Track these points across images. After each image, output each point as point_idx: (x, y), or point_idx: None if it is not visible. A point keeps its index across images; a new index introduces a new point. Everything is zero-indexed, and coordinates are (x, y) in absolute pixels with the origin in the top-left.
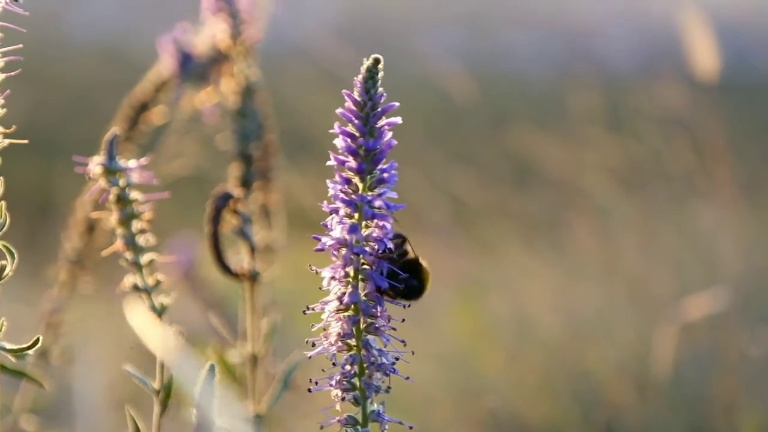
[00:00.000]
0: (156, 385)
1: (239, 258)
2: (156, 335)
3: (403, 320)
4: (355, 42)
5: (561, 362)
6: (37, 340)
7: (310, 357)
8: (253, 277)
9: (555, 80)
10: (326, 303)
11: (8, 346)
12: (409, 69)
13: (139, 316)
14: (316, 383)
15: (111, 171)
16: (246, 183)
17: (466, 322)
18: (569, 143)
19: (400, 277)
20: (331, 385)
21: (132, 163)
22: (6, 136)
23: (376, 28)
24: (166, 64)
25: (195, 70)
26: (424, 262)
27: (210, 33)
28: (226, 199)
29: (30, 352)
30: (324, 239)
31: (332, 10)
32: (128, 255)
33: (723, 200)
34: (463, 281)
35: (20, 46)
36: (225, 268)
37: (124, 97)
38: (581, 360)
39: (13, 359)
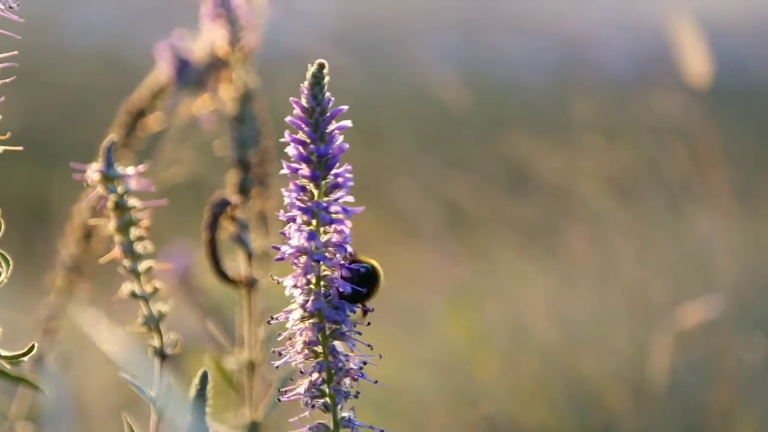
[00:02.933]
0: (153, 392)
1: (236, 265)
2: (106, 335)
3: (369, 323)
4: (351, 48)
5: (557, 368)
6: (33, 346)
7: (277, 366)
8: (250, 284)
9: (550, 87)
10: (290, 312)
11: (3, 352)
12: (405, 75)
13: (86, 317)
14: (285, 392)
15: (109, 178)
16: (243, 189)
17: (462, 328)
18: (565, 150)
19: (357, 278)
20: (300, 393)
21: (130, 170)
22: (1, 142)
23: (373, 34)
24: (163, 71)
25: (192, 76)
26: (370, 260)
27: (208, 39)
28: (223, 205)
29: (25, 359)
30: (283, 248)
31: (329, 17)
32: (126, 262)
33: (719, 206)
34: (458, 287)
35: (16, 52)
36: (222, 275)
37: (121, 102)
38: (577, 366)
39: (8, 366)
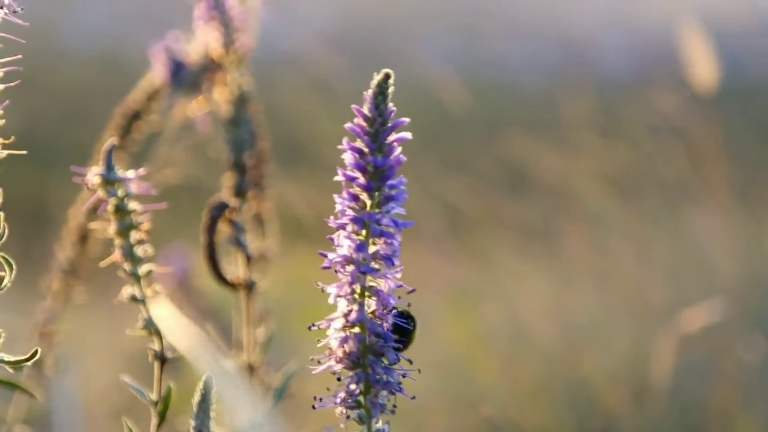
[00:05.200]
0: (153, 395)
1: (234, 267)
2: (180, 330)
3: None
4: (348, 50)
5: (556, 370)
6: (36, 352)
7: (314, 374)
8: (248, 287)
9: (549, 88)
10: (332, 320)
11: (6, 357)
12: (403, 77)
13: (162, 311)
14: (321, 400)
15: (110, 181)
16: (240, 192)
17: (461, 329)
18: (563, 150)
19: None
20: (335, 403)
21: (130, 174)
22: (4, 146)
23: (370, 36)
24: (158, 73)
25: (187, 78)
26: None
27: (202, 41)
28: (221, 208)
29: (28, 363)
30: (331, 255)
31: (325, 19)
32: (126, 266)
33: (718, 206)
34: (457, 289)
35: (19, 56)
36: (220, 278)
37: (118, 105)
38: (577, 367)
39: (10, 370)
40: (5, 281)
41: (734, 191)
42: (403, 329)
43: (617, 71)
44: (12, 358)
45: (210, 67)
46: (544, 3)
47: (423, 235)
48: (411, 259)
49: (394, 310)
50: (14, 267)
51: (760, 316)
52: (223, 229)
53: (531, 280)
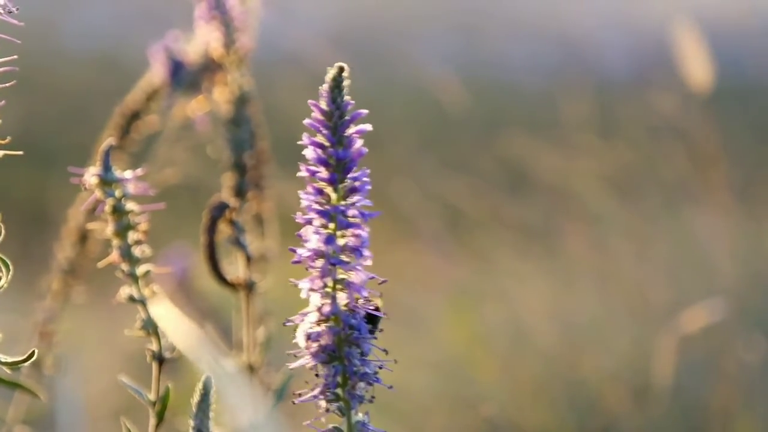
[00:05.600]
0: (152, 396)
1: (234, 268)
2: (182, 330)
3: (381, 330)
4: (347, 50)
5: (556, 370)
6: (33, 352)
7: (291, 368)
8: (248, 287)
9: (548, 88)
10: (305, 314)
11: (4, 358)
12: (402, 77)
13: (163, 311)
14: (300, 395)
15: (107, 182)
16: (240, 192)
17: (461, 330)
18: (563, 150)
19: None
20: (315, 397)
21: (128, 174)
22: (1, 147)
23: (369, 36)
24: (157, 73)
25: (187, 78)
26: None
27: (202, 41)
28: (222, 208)
29: (26, 364)
30: (300, 251)
31: (325, 18)
32: (124, 266)
33: (718, 206)
34: (457, 289)
35: (15, 57)
36: (220, 278)
37: (117, 105)
38: (577, 367)
39: (8, 371)
40: (3, 281)
41: (734, 191)
42: (373, 316)
43: (617, 71)
44: (10, 359)
45: (210, 67)
46: (544, 3)
47: (422, 235)
48: (410, 259)
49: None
50: (11, 268)
51: (761, 315)
52: (224, 229)
53: (531, 280)
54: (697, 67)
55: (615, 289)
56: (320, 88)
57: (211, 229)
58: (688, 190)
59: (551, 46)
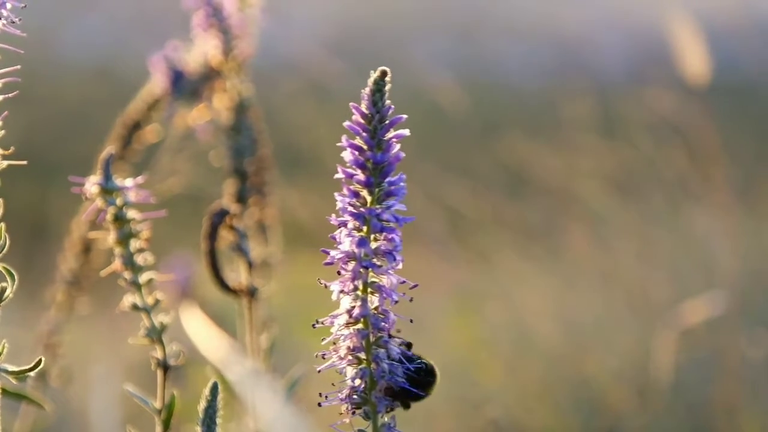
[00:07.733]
0: (157, 404)
1: (236, 274)
2: (211, 340)
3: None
4: (345, 55)
5: (560, 370)
6: (39, 361)
7: (319, 371)
8: (251, 293)
9: (547, 88)
10: (335, 317)
11: (9, 368)
12: (401, 80)
13: (193, 322)
14: (326, 397)
15: (108, 191)
16: (241, 199)
17: (464, 332)
18: (562, 151)
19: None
20: (341, 399)
21: (129, 182)
22: (4, 157)
23: (367, 40)
24: (158, 82)
25: (187, 87)
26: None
27: (201, 49)
28: (222, 215)
29: (31, 374)
30: (333, 252)
31: (323, 24)
32: (127, 274)
33: (718, 203)
34: (460, 291)
35: (18, 67)
36: (223, 285)
37: (118, 115)
38: (581, 367)
39: (14, 381)
40: (7, 292)
41: (734, 189)
42: (422, 382)
43: (615, 71)
44: (16, 368)
45: (210, 75)
46: (541, 5)
47: (424, 238)
48: (413, 262)
49: (411, 361)
50: (16, 278)
51: (763, 312)
52: (225, 235)
53: (533, 281)
54: (695, 65)
55: (617, 289)
56: (362, 91)
57: (212, 235)
58: (689, 188)
59: (549, 48)
